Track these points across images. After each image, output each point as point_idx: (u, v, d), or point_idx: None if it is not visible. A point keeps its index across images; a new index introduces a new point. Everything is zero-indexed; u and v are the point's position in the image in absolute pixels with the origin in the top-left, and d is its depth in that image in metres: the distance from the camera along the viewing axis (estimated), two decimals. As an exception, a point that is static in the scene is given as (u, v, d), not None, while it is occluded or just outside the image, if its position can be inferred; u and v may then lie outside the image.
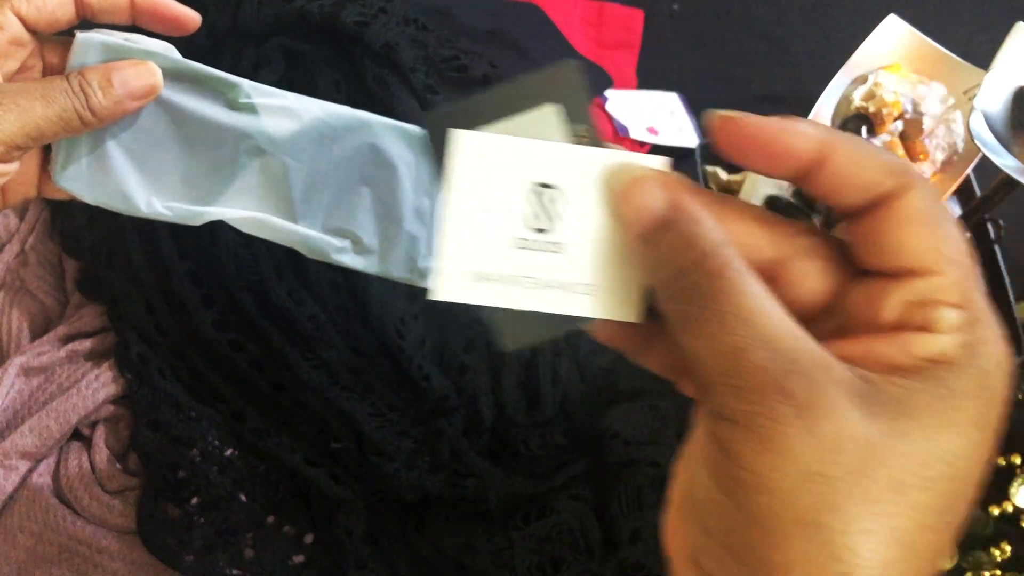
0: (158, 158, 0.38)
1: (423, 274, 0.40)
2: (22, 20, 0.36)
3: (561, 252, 0.24)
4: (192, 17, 0.39)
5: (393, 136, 0.39)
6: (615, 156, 0.24)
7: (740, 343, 0.21)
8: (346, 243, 0.40)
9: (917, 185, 0.23)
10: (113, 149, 0.38)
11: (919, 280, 0.22)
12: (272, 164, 0.39)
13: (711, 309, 0.21)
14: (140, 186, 0.38)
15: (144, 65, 0.36)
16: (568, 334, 0.25)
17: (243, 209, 0.39)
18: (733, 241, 0.23)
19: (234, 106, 0.38)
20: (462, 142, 0.24)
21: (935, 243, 0.22)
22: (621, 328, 0.26)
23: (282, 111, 0.38)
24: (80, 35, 0.37)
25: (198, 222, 0.39)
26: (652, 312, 0.24)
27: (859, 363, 0.22)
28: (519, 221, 0.24)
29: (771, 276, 0.24)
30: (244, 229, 0.39)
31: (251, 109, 0.38)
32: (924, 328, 0.22)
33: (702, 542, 0.23)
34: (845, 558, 0.20)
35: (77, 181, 0.38)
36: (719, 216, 0.23)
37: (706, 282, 0.22)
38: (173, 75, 0.38)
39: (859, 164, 0.23)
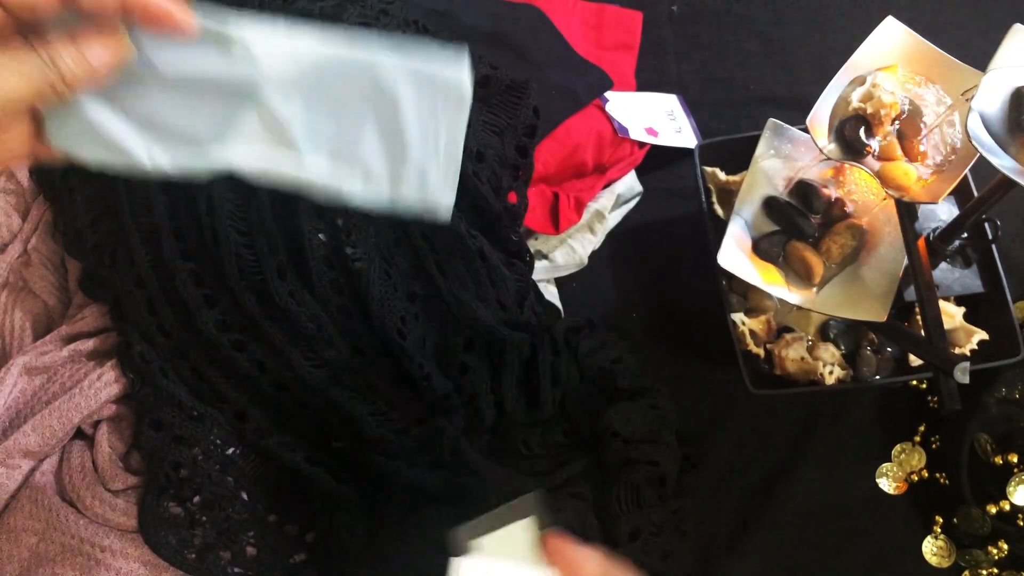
0: (156, 111, 0.37)
1: (432, 203, 0.40)
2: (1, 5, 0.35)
3: None
4: (187, 19, 0.38)
5: (396, 71, 0.38)
6: None
7: None
8: (355, 171, 0.39)
9: None
10: (109, 106, 0.37)
11: None
12: (273, 108, 0.38)
13: None
14: (139, 140, 0.37)
15: (113, 38, 0.35)
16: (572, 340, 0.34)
17: (247, 155, 0.39)
18: None
19: (232, 54, 0.37)
20: (461, 566, 0.39)
21: None
22: None
23: (282, 56, 0.37)
24: None
25: (203, 172, 0.38)
26: None
27: None
28: None
29: None
30: (251, 174, 0.38)
31: (249, 55, 0.37)
32: None
33: None
34: None
35: (73, 140, 0.37)
36: None
37: None
38: None
39: None
